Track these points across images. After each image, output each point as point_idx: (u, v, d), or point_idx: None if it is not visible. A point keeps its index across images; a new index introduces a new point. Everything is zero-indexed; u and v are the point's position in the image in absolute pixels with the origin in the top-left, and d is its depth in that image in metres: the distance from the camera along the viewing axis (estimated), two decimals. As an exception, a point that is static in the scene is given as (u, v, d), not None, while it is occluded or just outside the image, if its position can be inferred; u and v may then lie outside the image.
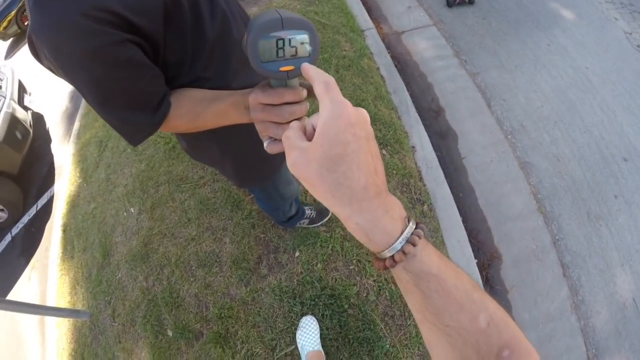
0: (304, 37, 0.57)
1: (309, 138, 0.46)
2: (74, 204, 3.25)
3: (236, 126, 0.87)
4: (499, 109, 3.36)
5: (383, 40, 3.89)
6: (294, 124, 0.51)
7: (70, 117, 4.50)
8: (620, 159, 3.05)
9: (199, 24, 0.89)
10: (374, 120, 2.99)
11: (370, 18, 4.16)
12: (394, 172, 2.72)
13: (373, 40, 3.80)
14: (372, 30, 3.93)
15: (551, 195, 2.88)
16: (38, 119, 4.90)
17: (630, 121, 3.26)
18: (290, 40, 0.57)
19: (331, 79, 0.47)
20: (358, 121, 0.43)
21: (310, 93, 0.65)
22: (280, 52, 0.57)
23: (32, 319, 3.04)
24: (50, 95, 5.18)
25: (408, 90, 3.37)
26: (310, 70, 0.51)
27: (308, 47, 0.58)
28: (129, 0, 0.71)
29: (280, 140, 0.64)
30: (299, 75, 0.60)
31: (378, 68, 3.51)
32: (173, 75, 0.90)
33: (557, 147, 3.11)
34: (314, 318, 2.19)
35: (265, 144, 0.68)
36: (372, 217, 0.42)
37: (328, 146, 0.42)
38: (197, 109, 0.87)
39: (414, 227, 0.45)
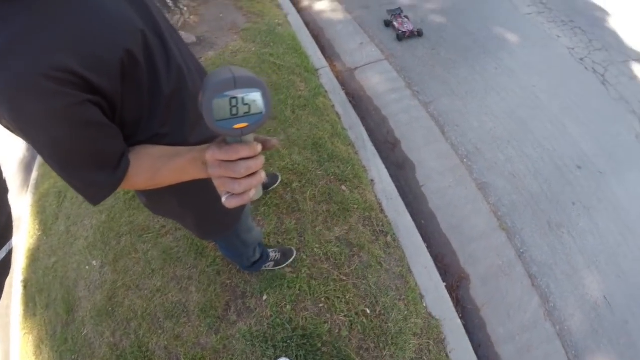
0: (257, 95, 0.61)
1: None
2: (34, 258, 3.17)
3: (196, 181, 0.88)
4: (453, 134, 3.53)
5: (337, 77, 4.04)
6: None
7: (27, 166, 4.33)
8: (574, 167, 3.26)
9: (155, 79, 0.92)
10: (331, 158, 3.12)
11: (324, 56, 4.29)
12: (355, 207, 2.83)
13: (327, 79, 3.94)
14: (326, 69, 4.07)
15: (511, 212, 3.03)
16: (-6, 169, 4.79)
17: (580, 131, 3.51)
18: (243, 98, 0.61)
19: None
20: None
21: (265, 147, 0.72)
22: (234, 110, 0.61)
23: (-4, 382, 2.90)
24: (7, 143, 5.09)
25: (364, 125, 3.50)
26: None
27: (260, 104, 0.62)
28: (88, 60, 0.73)
29: (238, 194, 0.70)
30: (253, 131, 0.66)
31: (333, 105, 3.64)
32: (130, 133, 0.92)
33: (512, 165, 3.29)
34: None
35: (223, 199, 0.70)
36: None
37: None
38: (156, 166, 0.89)
39: None
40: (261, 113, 0.63)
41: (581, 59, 4.20)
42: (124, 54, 0.79)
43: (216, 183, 0.71)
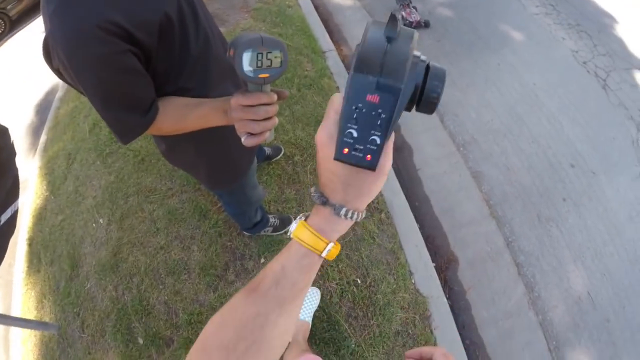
0: (278, 53, 0.80)
1: None
2: (40, 217, 3.28)
3: (211, 131, 1.10)
4: (452, 124, 3.69)
5: (343, 61, 4.18)
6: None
7: (35, 131, 4.50)
8: (568, 165, 3.40)
9: (185, 41, 1.09)
10: (332, 140, 3.28)
11: (332, 40, 4.44)
12: (352, 184, 2.99)
13: (334, 61, 4.10)
14: (333, 52, 4.23)
15: (502, 201, 3.18)
16: (2, 132, 4.77)
17: (577, 131, 3.65)
18: (267, 54, 0.79)
19: (446, 352, 0.72)
20: None
21: (280, 97, 0.90)
22: (259, 63, 0.79)
23: (-5, 337, 2.97)
24: (15, 108, 5.12)
25: (366, 109, 3.67)
26: (427, 349, 0.75)
27: (280, 61, 0.81)
28: (132, 17, 0.88)
29: (256, 134, 0.88)
30: (272, 81, 0.83)
31: (338, 87, 3.78)
32: (160, 84, 1.08)
33: (507, 158, 3.45)
34: (317, 290, 2.41)
35: (243, 139, 0.89)
36: None
37: None
38: (181, 113, 1.08)
39: None
40: (280, 67, 0.83)
41: (584, 62, 4.33)
42: (163, 16, 0.97)
43: (237, 125, 0.91)
